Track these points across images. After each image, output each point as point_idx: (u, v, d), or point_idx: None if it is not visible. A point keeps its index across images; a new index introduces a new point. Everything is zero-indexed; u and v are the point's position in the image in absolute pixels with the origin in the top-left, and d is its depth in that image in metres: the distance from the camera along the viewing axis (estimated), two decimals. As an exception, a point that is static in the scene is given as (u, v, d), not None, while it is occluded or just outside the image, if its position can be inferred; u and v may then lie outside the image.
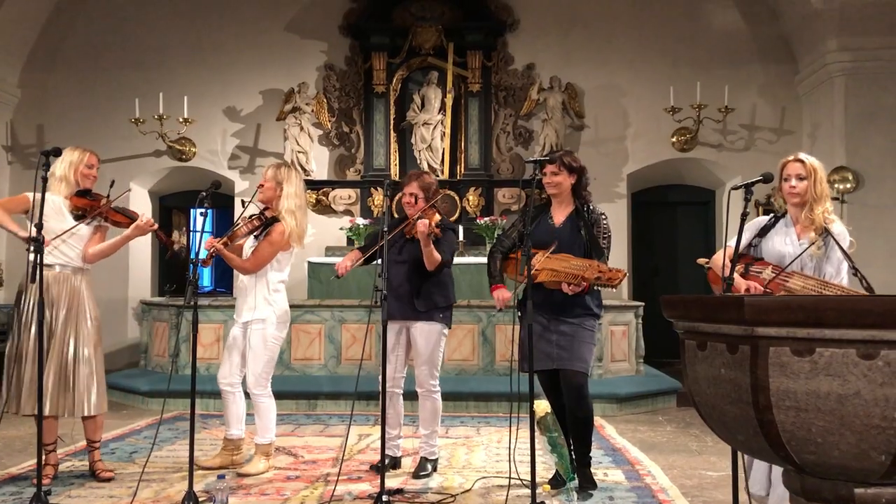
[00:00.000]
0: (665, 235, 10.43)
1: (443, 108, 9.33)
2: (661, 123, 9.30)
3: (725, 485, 4.14)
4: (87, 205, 4.39)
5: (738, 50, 9.44)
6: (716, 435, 2.28)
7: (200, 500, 3.81)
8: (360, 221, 9.02)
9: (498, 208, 9.34)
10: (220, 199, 9.32)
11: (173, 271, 10.66)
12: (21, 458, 4.96)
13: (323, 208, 9.47)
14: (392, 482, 4.23)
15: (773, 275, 3.37)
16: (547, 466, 4.41)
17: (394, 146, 9.50)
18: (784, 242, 3.50)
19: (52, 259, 4.26)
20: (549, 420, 4.18)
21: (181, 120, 9.19)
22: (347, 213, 9.47)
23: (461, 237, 8.79)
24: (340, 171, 9.67)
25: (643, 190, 10.14)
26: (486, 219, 8.95)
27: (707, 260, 3.81)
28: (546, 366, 4.09)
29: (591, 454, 4.21)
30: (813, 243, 3.40)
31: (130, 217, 4.45)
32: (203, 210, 4.08)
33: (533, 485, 3.55)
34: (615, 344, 7.22)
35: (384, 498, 3.75)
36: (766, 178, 3.47)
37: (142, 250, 10.02)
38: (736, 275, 3.49)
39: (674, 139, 9.43)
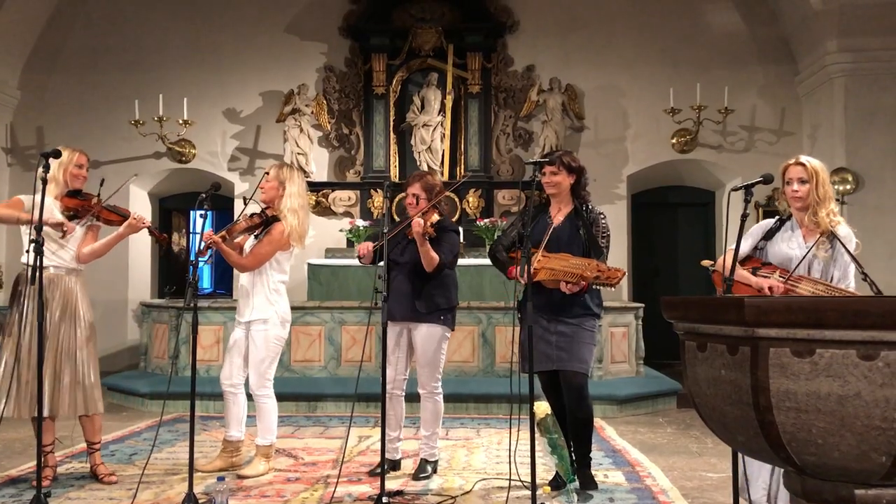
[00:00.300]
0: (665, 237, 10.43)
1: (443, 110, 9.33)
2: (661, 125, 9.31)
3: (726, 486, 4.14)
4: (78, 205, 4.38)
5: (738, 51, 9.44)
6: (716, 436, 2.28)
7: (200, 501, 3.81)
8: (360, 223, 9.02)
9: (498, 210, 9.35)
10: (219, 201, 9.36)
11: (173, 273, 10.68)
12: (20, 460, 4.96)
13: (323, 210, 9.47)
14: (392, 484, 4.23)
15: (782, 279, 3.36)
16: (547, 468, 4.41)
17: (394, 148, 9.50)
18: (790, 246, 3.48)
19: (46, 261, 4.24)
20: (549, 421, 4.17)
21: (181, 122, 9.20)
22: (347, 214, 9.47)
23: (461, 239, 8.79)
24: (340, 172, 9.68)
25: (643, 191, 10.14)
26: (486, 220, 8.95)
27: (711, 262, 3.80)
28: (546, 367, 4.08)
29: (591, 455, 4.21)
30: (819, 246, 3.39)
31: (122, 215, 4.44)
32: (203, 212, 4.08)
33: (533, 486, 3.55)
34: (615, 345, 7.22)
35: (384, 500, 3.75)
36: (767, 180, 3.47)
37: (141, 252, 10.03)
38: (746, 272, 3.49)
39: (674, 140, 9.43)
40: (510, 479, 4.10)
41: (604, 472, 4.61)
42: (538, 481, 3.68)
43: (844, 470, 1.92)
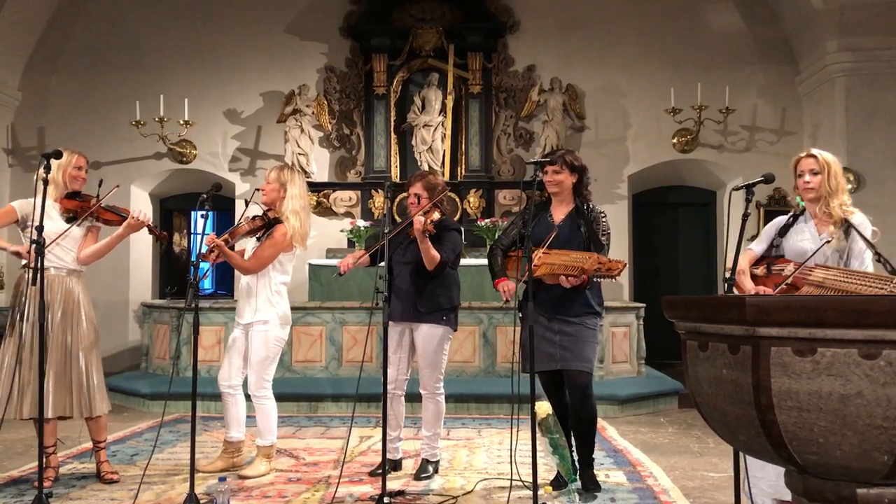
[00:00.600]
0: (666, 237, 10.42)
1: (443, 110, 9.33)
2: (662, 125, 9.30)
3: (727, 486, 4.13)
4: (77, 206, 4.38)
5: (739, 51, 9.44)
6: (718, 436, 2.27)
7: (202, 502, 3.80)
8: (361, 223, 9.02)
9: (499, 210, 9.34)
10: (220, 202, 9.39)
11: (174, 274, 10.68)
12: (22, 460, 4.96)
13: (324, 210, 9.47)
14: (393, 484, 4.23)
15: (794, 270, 3.34)
16: (548, 468, 4.40)
17: (394, 148, 9.50)
18: (804, 238, 3.48)
19: (47, 262, 4.25)
20: (550, 421, 4.16)
21: (182, 122, 9.20)
22: (348, 214, 9.46)
23: (462, 238, 8.79)
24: (341, 172, 9.68)
25: (644, 191, 10.14)
26: (487, 220, 8.95)
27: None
28: (549, 366, 4.08)
29: (593, 455, 4.21)
30: (832, 236, 3.38)
31: (121, 215, 4.44)
32: (204, 212, 4.09)
33: (534, 486, 3.55)
34: (616, 345, 7.21)
35: (385, 500, 3.75)
36: (768, 179, 3.47)
37: (142, 253, 10.03)
38: (744, 277, 3.49)
39: (674, 140, 9.43)
40: (511, 480, 4.09)
41: (605, 472, 4.61)
42: (539, 481, 3.68)
43: (846, 469, 1.92)
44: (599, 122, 9.58)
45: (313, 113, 9.45)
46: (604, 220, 4.18)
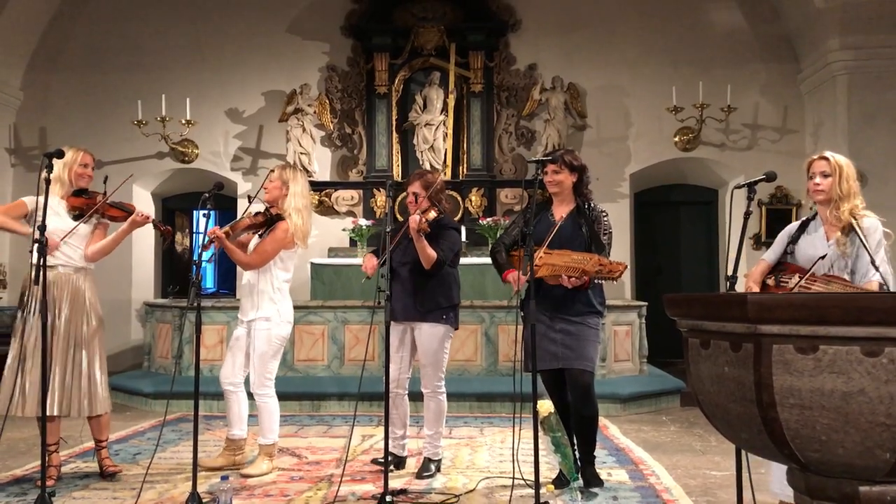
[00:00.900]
0: (668, 235, 10.42)
1: (445, 109, 9.33)
2: (664, 123, 9.30)
3: (729, 484, 4.13)
4: (83, 203, 4.40)
5: (741, 49, 9.43)
6: (720, 434, 2.27)
7: (204, 501, 3.81)
8: (363, 222, 9.02)
9: (500, 209, 9.34)
10: (222, 201, 9.37)
11: (176, 273, 10.69)
12: (25, 459, 4.97)
13: (325, 209, 9.47)
14: (396, 482, 4.23)
15: (798, 282, 3.32)
16: (550, 466, 4.40)
17: (396, 147, 9.50)
18: (813, 245, 3.46)
19: (54, 260, 4.27)
20: (552, 420, 4.16)
21: (183, 122, 9.20)
22: (350, 214, 9.47)
23: (463, 237, 8.78)
24: (343, 172, 9.68)
25: (646, 190, 10.13)
26: (489, 219, 8.95)
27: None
28: (551, 365, 4.08)
29: (595, 453, 4.21)
30: (839, 242, 3.36)
31: (127, 211, 4.45)
32: (206, 212, 4.08)
33: (536, 485, 3.55)
34: (618, 344, 7.21)
35: (388, 498, 3.75)
36: (770, 177, 3.46)
37: (145, 252, 10.04)
38: (755, 289, 3.47)
39: (676, 139, 9.42)
40: (513, 478, 4.09)
41: (607, 471, 4.60)
42: (541, 480, 3.68)
43: (848, 467, 1.91)
44: (601, 120, 9.57)
45: (315, 112, 9.45)
46: (605, 219, 4.18)
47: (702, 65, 9.28)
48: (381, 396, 4.42)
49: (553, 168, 4.13)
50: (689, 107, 8.93)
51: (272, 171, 4.66)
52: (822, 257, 3.35)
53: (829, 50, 8.54)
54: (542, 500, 3.54)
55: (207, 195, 4.04)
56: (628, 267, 4.03)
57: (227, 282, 12.32)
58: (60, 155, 3.97)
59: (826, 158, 3.46)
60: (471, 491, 4.19)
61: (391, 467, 4.20)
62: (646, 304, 7.59)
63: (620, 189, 9.53)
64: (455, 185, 9.28)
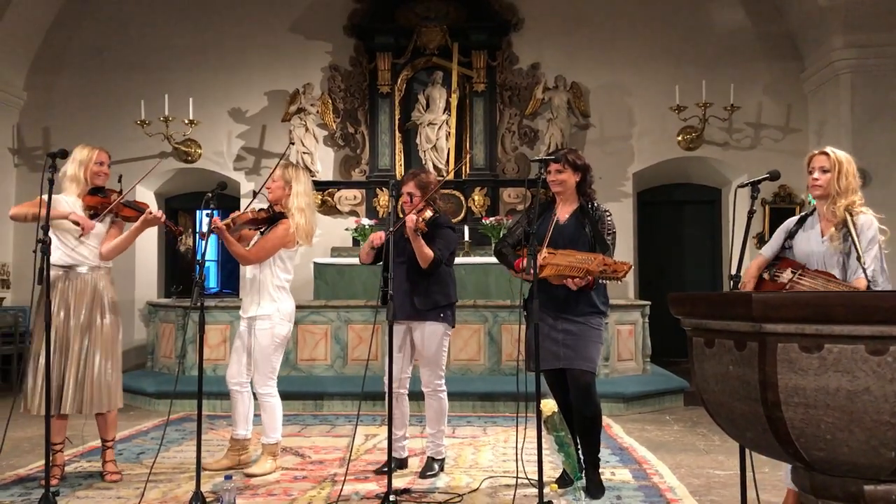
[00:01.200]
0: (671, 234, 10.41)
1: (448, 108, 9.33)
2: (667, 122, 9.29)
3: (733, 484, 4.13)
4: (98, 203, 4.40)
5: (744, 48, 9.42)
6: (724, 432, 2.27)
7: (208, 500, 3.81)
8: (366, 222, 9.02)
9: (503, 208, 9.34)
10: (225, 201, 9.38)
11: (179, 273, 10.70)
12: (29, 458, 4.97)
13: (328, 209, 9.48)
14: (399, 482, 4.23)
15: (790, 276, 3.33)
16: (554, 466, 4.40)
17: (399, 146, 9.51)
18: (809, 240, 3.46)
19: (70, 260, 4.29)
20: (555, 419, 4.16)
21: (186, 121, 9.21)
22: (353, 213, 9.48)
23: (466, 237, 8.81)
24: (346, 171, 9.69)
25: (649, 189, 10.12)
26: (492, 219, 8.95)
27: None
28: (553, 365, 4.08)
29: (599, 453, 4.21)
30: (833, 238, 3.36)
31: (140, 210, 4.45)
32: (209, 211, 4.08)
33: (540, 484, 3.55)
34: (622, 343, 7.20)
35: (391, 498, 3.75)
36: (773, 176, 3.45)
37: (148, 252, 10.05)
38: (750, 286, 3.47)
39: (679, 138, 9.41)
40: (517, 477, 4.09)
41: (611, 470, 4.60)
42: (545, 479, 3.67)
43: (853, 465, 1.91)
44: (604, 119, 9.57)
45: (318, 112, 9.46)
46: (609, 218, 4.16)
47: (705, 64, 9.27)
48: (384, 396, 4.43)
49: (556, 167, 4.12)
50: (692, 106, 8.92)
51: (274, 170, 4.66)
52: (833, 234, 3.36)
53: (833, 48, 8.53)
54: (545, 500, 3.54)
55: (211, 195, 4.04)
56: (633, 267, 4.01)
57: (230, 282, 12.34)
58: (64, 155, 3.97)
59: (826, 154, 3.45)
60: (474, 490, 4.19)
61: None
62: (649, 303, 7.58)
63: (623, 188, 9.53)
64: (458, 184, 9.28)
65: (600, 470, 4.21)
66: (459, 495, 4.08)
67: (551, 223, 4.11)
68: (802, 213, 3.64)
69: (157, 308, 7.87)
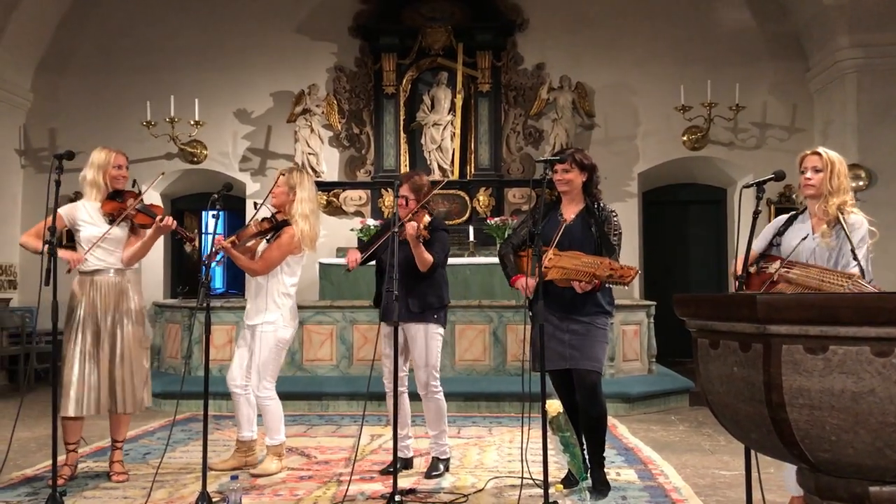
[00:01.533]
0: (676, 234, 10.39)
1: (453, 109, 9.34)
2: (672, 122, 9.27)
3: (739, 484, 4.12)
4: (115, 209, 4.41)
5: (749, 48, 9.40)
6: (729, 434, 2.27)
7: (214, 500, 3.82)
8: (371, 222, 9.03)
9: (508, 208, 9.34)
10: (231, 202, 9.41)
11: (185, 273, 10.73)
12: (36, 458, 5.00)
13: (333, 209, 9.49)
14: (404, 482, 4.24)
15: (778, 267, 3.34)
16: (559, 466, 4.40)
17: (404, 147, 9.52)
18: (798, 237, 3.47)
19: (95, 265, 4.34)
20: (561, 420, 4.16)
21: (192, 122, 9.24)
22: (358, 214, 9.49)
23: (471, 237, 8.81)
24: (351, 172, 9.70)
25: (654, 189, 10.11)
26: (497, 219, 8.94)
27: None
28: (559, 365, 4.08)
29: (604, 454, 4.21)
30: (823, 234, 3.36)
31: (153, 216, 4.46)
32: (215, 212, 4.10)
33: (545, 485, 3.55)
34: (627, 343, 7.20)
35: (397, 498, 3.75)
36: (779, 176, 3.45)
37: (154, 253, 10.01)
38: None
39: (685, 138, 9.39)
40: (522, 478, 4.09)
41: (616, 470, 4.60)
42: (550, 479, 3.68)
43: (858, 467, 1.91)
44: (609, 119, 9.56)
45: (323, 112, 9.47)
46: (615, 219, 4.16)
47: (710, 63, 9.25)
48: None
49: (563, 167, 4.11)
50: (697, 105, 8.91)
51: (278, 175, 4.66)
52: (803, 239, 3.37)
53: (838, 48, 8.51)
54: (550, 500, 3.54)
55: (216, 196, 4.06)
56: (639, 272, 4.00)
57: (236, 283, 12.36)
58: (71, 156, 3.98)
59: (818, 154, 3.46)
60: (479, 491, 4.19)
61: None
62: (654, 303, 7.57)
63: (629, 188, 9.52)
64: (463, 184, 9.29)
65: (605, 470, 4.21)
66: (465, 495, 4.08)
67: (558, 224, 4.11)
68: (792, 213, 3.65)
69: (164, 309, 7.89)
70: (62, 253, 4.25)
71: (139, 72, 9.74)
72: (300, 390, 6.60)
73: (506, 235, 8.25)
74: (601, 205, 4.18)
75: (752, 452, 3.01)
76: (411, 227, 4.19)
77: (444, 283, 4.56)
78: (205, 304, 3.86)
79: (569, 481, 4.21)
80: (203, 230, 11.48)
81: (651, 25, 9.55)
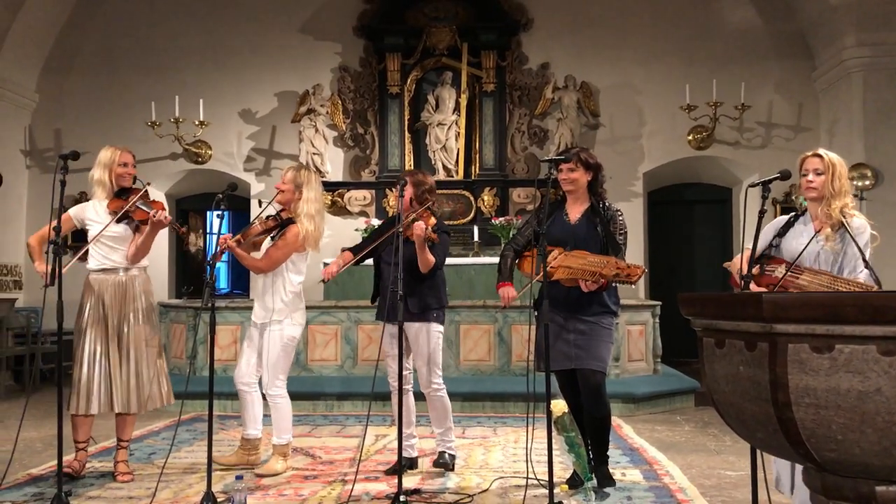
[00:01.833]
0: (682, 234, 10.38)
1: (457, 109, 9.34)
2: (677, 121, 9.26)
3: (744, 484, 4.11)
4: (118, 206, 4.42)
5: (754, 46, 9.38)
6: (735, 433, 2.26)
7: (219, 500, 3.82)
8: (376, 222, 9.02)
9: (513, 208, 9.34)
10: (236, 202, 9.42)
11: (190, 273, 10.74)
12: (42, 458, 5.00)
13: (338, 209, 9.50)
14: (409, 482, 4.24)
15: (785, 271, 3.33)
16: (564, 466, 4.39)
17: (408, 147, 9.52)
18: (800, 240, 3.45)
19: (102, 264, 4.36)
20: (566, 420, 4.15)
21: (197, 123, 9.25)
22: (363, 213, 9.49)
23: (476, 237, 8.80)
24: (355, 172, 9.70)
25: (659, 188, 10.10)
26: (502, 219, 8.95)
27: (731, 262, 3.77)
28: (564, 365, 4.07)
29: (608, 453, 4.20)
30: (827, 238, 3.35)
31: (150, 211, 4.47)
32: (220, 212, 4.10)
33: (550, 485, 3.54)
34: (632, 343, 7.18)
35: (402, 498, 3.75)
36: (784, 176, 3.44)
37: (159, 253, 10.08)
38: (736, 276, 3.46)
39: (690, 137, 9.38)
40: (527, 478, 4.08)
41: (621, 471, 4.59)
42: (555, 479, 3.67)
43: (865, 466, 1.90)
44: (614, 119, 9.55)
45: (327, 112, 9.48)
46: (620, 218, 4.15)
47: (715, 62, 9.24)
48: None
49: (568, 166, 4.11)
50: (702, 105, 8.89)
51: (286, 172, 4.66)
52: (809, 242, 3.35)
53: (844, 47, 8.48)
54: (555, 500, 3.54)
55: (221, 196, 4.06)
56: (645, 271, 3.99)
57: (240, 282, 12.37)
58: (76, 156, 3.99)
59: (819, 156, 3.44)
60: (484, 491, 4.19)
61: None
62: (659, 303, 7.55)
63: (634, 188, 9.50)
64: (467, 184, 9.28)
65: (610, 469, 4.21)
66: (470, 496, 4.08)
67: (565, 225, 4.10)
68: (792, 214, 3.63)
69: (168, 309, 7.90)
70: (37, 266, 4.29)
71: (144, 72, 9.77)
72: (305, 390, 6.60)
73: (510, 235, 8.26)
74: (606, 204, 4.17)
75: (758, 452, 3.00)
76: (420, 228, 4.17)
77: (443, 284, 4.57)
78: (209, 305, 3.87)
79: (574, 481, 4.20)
80: (208, 230, 11.50)
81: (656, 25, 9.54)
